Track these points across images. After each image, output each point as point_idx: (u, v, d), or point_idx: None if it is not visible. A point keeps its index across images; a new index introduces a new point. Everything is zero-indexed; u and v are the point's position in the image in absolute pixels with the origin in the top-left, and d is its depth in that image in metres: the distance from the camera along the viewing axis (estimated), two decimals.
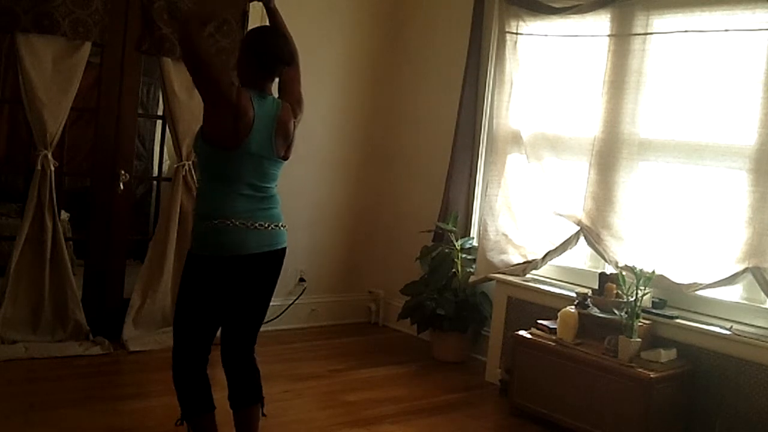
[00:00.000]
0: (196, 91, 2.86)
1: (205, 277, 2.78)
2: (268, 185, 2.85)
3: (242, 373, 2.97)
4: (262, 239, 2.81)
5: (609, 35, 4.14)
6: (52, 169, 4.22)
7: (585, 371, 3.65)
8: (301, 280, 5.25)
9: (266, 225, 2.81)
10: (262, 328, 4.86)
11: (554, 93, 4.42)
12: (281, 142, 2.83)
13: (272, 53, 2.79)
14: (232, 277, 2.79)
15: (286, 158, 2.88)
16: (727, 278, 3.60)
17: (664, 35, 3.91)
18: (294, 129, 2.90)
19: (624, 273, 3.75)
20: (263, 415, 3.01)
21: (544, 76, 4.47)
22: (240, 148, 2.70)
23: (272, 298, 3.01)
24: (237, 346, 2.96)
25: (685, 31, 3.81)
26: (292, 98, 2.93)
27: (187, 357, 2.85)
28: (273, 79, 2.86)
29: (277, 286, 3.00)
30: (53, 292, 4.31)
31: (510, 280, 4.44)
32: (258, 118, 2.73)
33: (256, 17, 4.78)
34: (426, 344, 4.95)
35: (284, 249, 2.93)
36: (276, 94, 2.92)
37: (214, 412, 2.89)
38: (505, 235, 4.59)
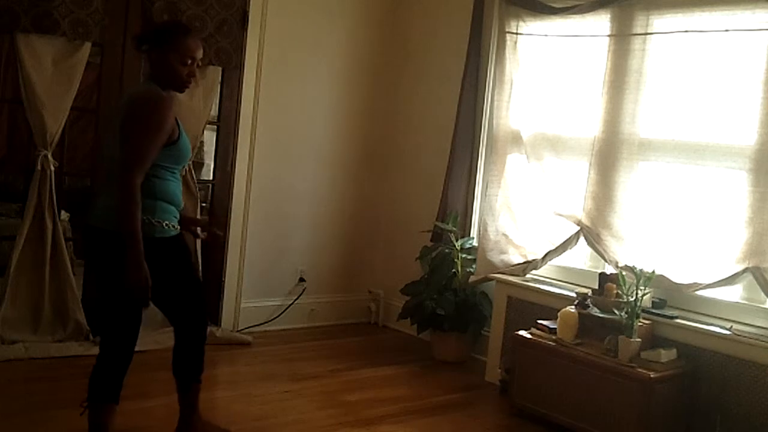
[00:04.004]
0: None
1: None
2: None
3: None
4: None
5: (609, 35, 4.14)
6: (52, 169, 4.22)
7: (585, 371, 3.65)
8: (301, 280, 5.24)
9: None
10: (262, 328, 4.96)
11: (554, 93, 4.41)
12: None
13: None
14: None
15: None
16: (727, 278, 3.60)
17: (664, 35, 3.91)
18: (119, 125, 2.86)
19: (624, 273, 3.74)
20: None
21: (544, 76, 4.46)
22: None
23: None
24: None
25: (685, 31, 3.81)
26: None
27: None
28: (146, 59, 2.94)
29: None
30: (53, 292, 4.30)
31: (510, 280, 4.43)
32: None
33: (256, 18, 4.80)
34: (426, 344, 4.94)
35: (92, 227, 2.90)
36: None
37: None
38: (505, 235, 4.59)
